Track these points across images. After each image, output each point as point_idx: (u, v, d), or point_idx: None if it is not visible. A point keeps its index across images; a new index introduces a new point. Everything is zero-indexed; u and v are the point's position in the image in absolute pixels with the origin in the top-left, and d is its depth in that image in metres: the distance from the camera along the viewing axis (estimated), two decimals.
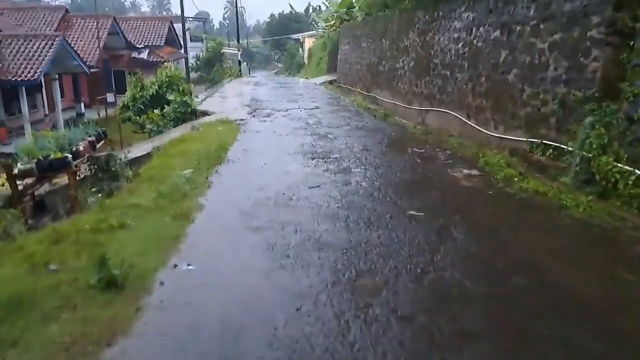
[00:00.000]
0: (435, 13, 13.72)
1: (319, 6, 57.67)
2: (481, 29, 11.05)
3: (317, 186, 7.59)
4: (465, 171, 8.55)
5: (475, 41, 11.30)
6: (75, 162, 10.47)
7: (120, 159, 12.59)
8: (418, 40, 15.10)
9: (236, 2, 49.36)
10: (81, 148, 11.25)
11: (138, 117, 18.64)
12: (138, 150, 13.71)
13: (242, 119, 15.30)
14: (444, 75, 12.92)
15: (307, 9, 75.91)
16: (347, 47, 26.31)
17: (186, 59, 35.44)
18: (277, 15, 78.15)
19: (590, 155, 6.98)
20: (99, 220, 5.80)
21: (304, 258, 4.96)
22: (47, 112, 26.32)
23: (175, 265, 4.79)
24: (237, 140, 11.58)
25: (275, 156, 9.84)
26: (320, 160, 9.40)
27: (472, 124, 11.13)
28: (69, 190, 10.23)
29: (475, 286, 4.40)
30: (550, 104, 8.46)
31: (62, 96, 28.24)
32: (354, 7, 29.57)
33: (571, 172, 7.43)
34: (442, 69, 13.08)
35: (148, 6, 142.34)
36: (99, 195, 8.45)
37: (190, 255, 5.06)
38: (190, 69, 36.70)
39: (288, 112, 17.10)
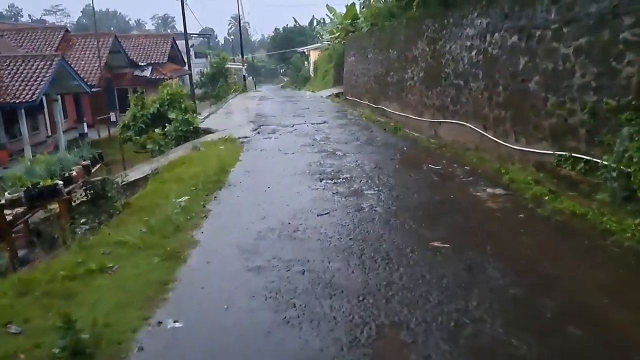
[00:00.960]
0: (445, 20, 13.00)
1: (323, 19, 57.40)
2: (496, 35, 10.31)
3: (327, 213, 6.79)
4: (489, 190, 7.73)
5: (490, 48, 10.55)
6: (68, 189, 9.85)
7: (117, 183, 11.93)
8: (427, 50, 14.37)
9: (239, 17, 49.09)
10: (74, 173, 10.64)
11: (138, 137, 18.04)
12: (136, 172, 13.05)
13: (245, 137, 14.60)
14: (457, 85, 12.15)
15: (311, 22, 75.58)
16: (353, 59, 25.66)
17: (190, 76, 34.95)
18: (281, 29, 77.81)
19: (629, 169, 6.17)
20: (76, 263, 5.05)
21: (313, 309, 4.16)
22: (49, 134, 25.85)
23: (160, 323, 4.01)
24: (239, 160, 10.85)
25: (280, 178, 9.07)
26: (329, 181, 8.60)
27: (490, 137, 10.34)
28: (60, 220, 9.59)
29: (524, 343, 3.57)
30: (578, 113, 7.67)
31: (64, 117, 27.86)
32: (359, 19, 29.00)
33: (608, 189, 6.61)
34: (455, 79, 12.32)
35: (152, 24, 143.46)
36: (87, 227, 7.73)
37: (178, 307, 4.28)
38: (194, 86, 36.24)
39: (294, 127, 16.40)
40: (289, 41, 70.56)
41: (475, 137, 11.10)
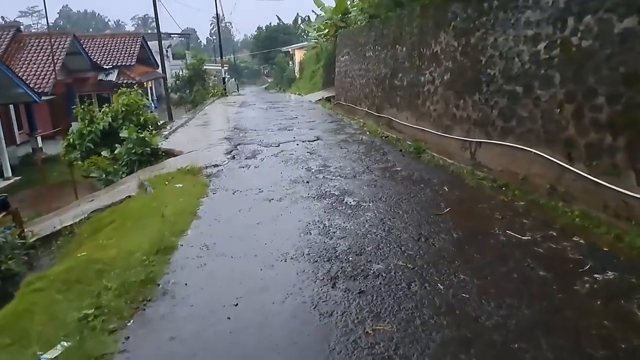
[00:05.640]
0: (486, 4, 9.34)
1: (308, 16, 54.07)
2: (587, 18, 6.67)
3: None
4: None
5: (575, 39, 6.91)
6: None
7: (20, 244, 8.15)
8: (456, 44, 10.69)
9: (217, 15, 45.06)
10: None
11: (81, 162, 14.07)
12: (61, 218, 9.16)
13: (214, 165, 10.76)
14: (511, 92, 8.48)
15: (295, 20, 72.43)
16: (347, 58, 21.95)
17: (164, 79, 30.99)
18: (264, 28, 73.94)
19: None
20: None
21: None
22: None
23: None
24: (197, 217, 6.98)
25: (259, 269, 5.10)
26: (350, 283, 4.59)
27: (583, 173, 6.70)
28: None
29: None
30: None
31: (19, 129, 24.34)
32: (350, 13, 25.48)
33: None
34: (506, 84, 8.65)
35: (133, 25, 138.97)
36: None
37: None
38: (170, 90, 32.31)
39: (280, 147, 12.60)
40: (272, 40, 67.22)
41: (548, 171, 7.45)
